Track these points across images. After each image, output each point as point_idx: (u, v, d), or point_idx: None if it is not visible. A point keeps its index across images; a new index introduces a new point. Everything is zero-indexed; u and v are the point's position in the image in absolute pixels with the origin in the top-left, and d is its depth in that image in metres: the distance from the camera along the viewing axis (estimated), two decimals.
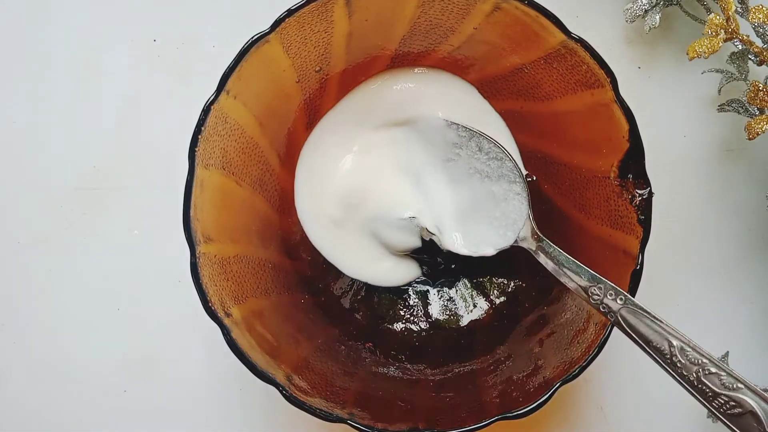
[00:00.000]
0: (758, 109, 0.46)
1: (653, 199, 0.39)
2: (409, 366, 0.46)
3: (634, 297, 0.37)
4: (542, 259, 0.41)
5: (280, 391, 0.37)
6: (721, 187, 0.50)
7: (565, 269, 0.40)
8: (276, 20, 0.38)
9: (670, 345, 0.35)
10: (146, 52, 0.51)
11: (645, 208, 0.39)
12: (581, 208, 0.44)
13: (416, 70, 0.46)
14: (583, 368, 0.38)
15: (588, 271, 0.39)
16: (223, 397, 0.50)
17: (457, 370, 0.45)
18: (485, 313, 0.48)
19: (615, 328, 0.38)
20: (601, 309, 0.37)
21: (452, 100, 0.46)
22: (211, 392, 0.50)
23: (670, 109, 0.50)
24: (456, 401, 0.42)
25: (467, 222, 0.45)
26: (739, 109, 0.47)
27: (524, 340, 0.45)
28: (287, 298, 0.46)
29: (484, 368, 0.45)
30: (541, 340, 0.44)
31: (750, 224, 0.50)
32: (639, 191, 0.39)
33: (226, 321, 0.38)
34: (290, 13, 0.38)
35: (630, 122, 0.38)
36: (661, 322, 0.35)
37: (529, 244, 0.42)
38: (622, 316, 0.37)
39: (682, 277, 0.50)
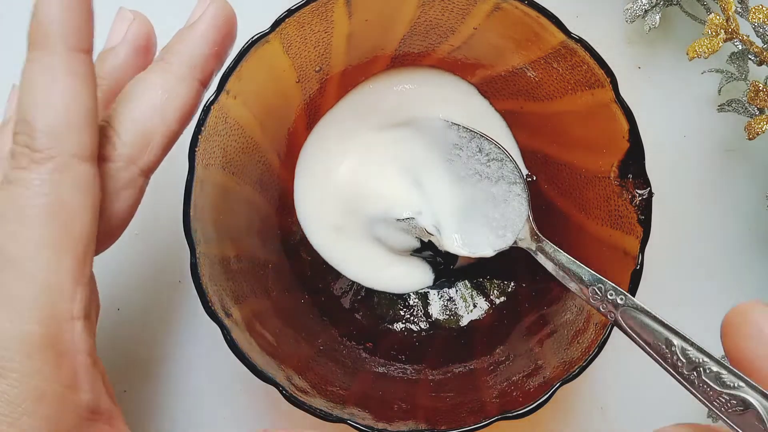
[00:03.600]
0: (758, 109, 0.46)
1: (653, 199, 0.39)
2: (409, 366, 0.46)
3: (634, 297, 0.37)
4: (542, 259, 0.41)
5: (280, 391, 0.37)
6: (721, 187, 0.50)
7: (564, 269, 0.40)
8: (276, 20, 0.38)
9: (671, 345, 0.34)
10: None
11: (645, 208, 0.39)
12: (581, 208, 0.44)
13: (416, 70, 0.46)
14: (583, 368, 0.38)
15: (588, 271, 0.39)
16: (223, 397, 0.49)
17: (457, 370, 0.45)
18: (485, 313, 0.48)
19: (615, 328, 0.37)
20: (601, 309, 0.37)
21: (452, 101, 0.46)
22: (210, 392, 0.50)
23: (670, 109, 0.50)
24: (456, 401, 0.42)
25: (466, 223, 0.45)
26: (739, 109, 0.47)
27: (524, 340, 0.45)
28: (287, 298, 0.46)
29: (484, 368, 0.44)
30: (541, 340, 0.43)
31: (750, 224, 0.50)
32: (639, 191, 0.39)
33: (226, 321, 0.38)
34: (290, 13, 0.38)
35: (630, 122, 0.38)
36: (661, 321, 0.35)
37: (529, 245, 0.42)
38: (622, 316, 0.36)
39: (682, 277, 0.50)
